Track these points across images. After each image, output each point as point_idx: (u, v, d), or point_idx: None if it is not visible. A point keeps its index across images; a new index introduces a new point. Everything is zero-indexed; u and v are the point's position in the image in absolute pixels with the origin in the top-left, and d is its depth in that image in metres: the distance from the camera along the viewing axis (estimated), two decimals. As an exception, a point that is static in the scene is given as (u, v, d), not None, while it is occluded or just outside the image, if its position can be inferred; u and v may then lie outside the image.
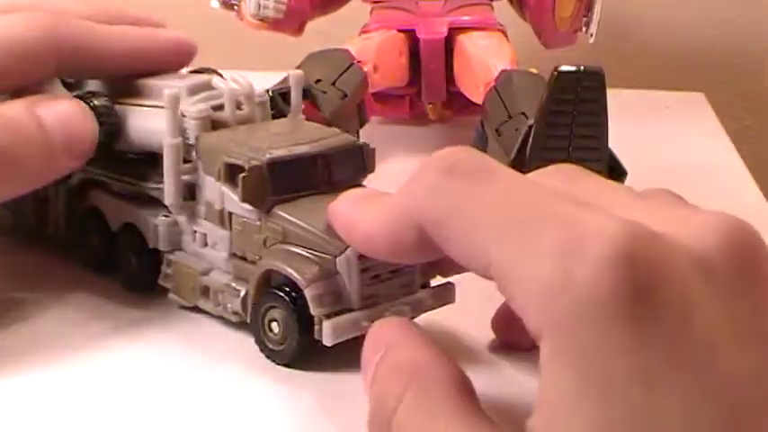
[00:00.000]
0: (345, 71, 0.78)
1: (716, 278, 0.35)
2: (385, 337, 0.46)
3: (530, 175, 0.44)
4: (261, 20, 0.86)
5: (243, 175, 0.54)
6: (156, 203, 0.60)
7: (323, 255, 0.52)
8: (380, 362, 0.44)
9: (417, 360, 0.43)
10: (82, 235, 0.64)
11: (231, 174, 0.55)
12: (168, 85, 0.59)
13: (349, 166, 0.57)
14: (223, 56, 1.20)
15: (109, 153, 0.62)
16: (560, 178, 0.43)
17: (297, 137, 0.57)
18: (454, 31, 0.86)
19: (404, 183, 0.44)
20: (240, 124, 0.59)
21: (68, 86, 0.65)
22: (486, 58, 0.82)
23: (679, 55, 1.16)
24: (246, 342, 0.55)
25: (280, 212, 0.54)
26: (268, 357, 0.54)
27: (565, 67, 0.64)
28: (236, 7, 0.88)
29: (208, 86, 0.60)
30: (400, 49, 0.86)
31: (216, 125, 0.58)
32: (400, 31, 0.87)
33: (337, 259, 0.52)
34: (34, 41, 0.57)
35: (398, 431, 0.40)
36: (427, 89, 0.88)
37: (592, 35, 0.88)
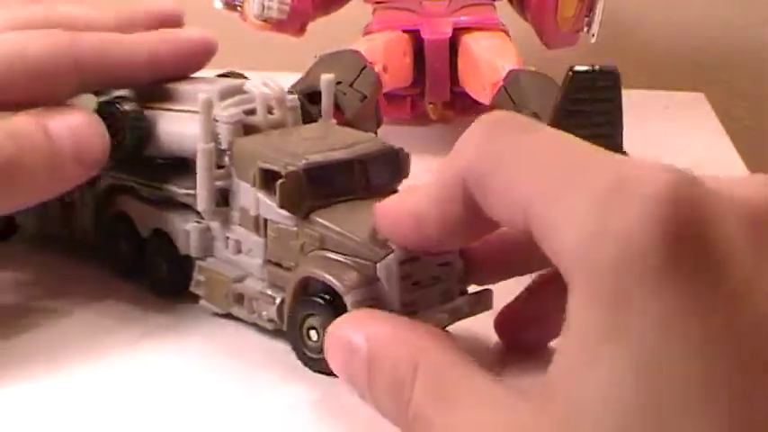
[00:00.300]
0: (360, 73, 0.78)
1: (762, 232, 0.35)
2: (355, 337, 0.45)
3: None
4: (264, 20, 0.86)
5: (280, 181, 0.53)
6: (187, 209, 0.60)
7: (363, 261, 0.51)
8: (374, 359, 0.43)
9: (414, 345, 0.42)
10: (110, 241, 0.64)
11: (267, 179, 0.54)
12: (199, 90, 0.59)
13: (385, 171, 0.56)
14: (223, 56, 1.21)
15: (138, 158, 0.61)
16: None
17: (332, 142, 0.56)
18: (458, 31, 0.87)
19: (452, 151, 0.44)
20: (272, 129, 0.58)
21: (95, 92, 0.64)
22: (492, 59, 0.82)
23: (679, 55, 1.16)
24: (283, 350, 0.54)
25: (318, 219, 0.53)
26: (306, 365, 0.53)
27: (580, 67, 0.64)
28: (239, 8, 0.87)
29: (239, 90, 0.60)
30: (405, 50, 0.86)
31: (247, 130, 0.58)
32: (404, 31, 0.87)
33: (378, 265, 0.51)
34: (52, 60, 0.57)
35: (417, 418, 0.40)
36: (431, 89, 0.88)
37: (593, 35, 0.89)
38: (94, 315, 0.59)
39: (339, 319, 0.48)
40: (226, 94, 0.59)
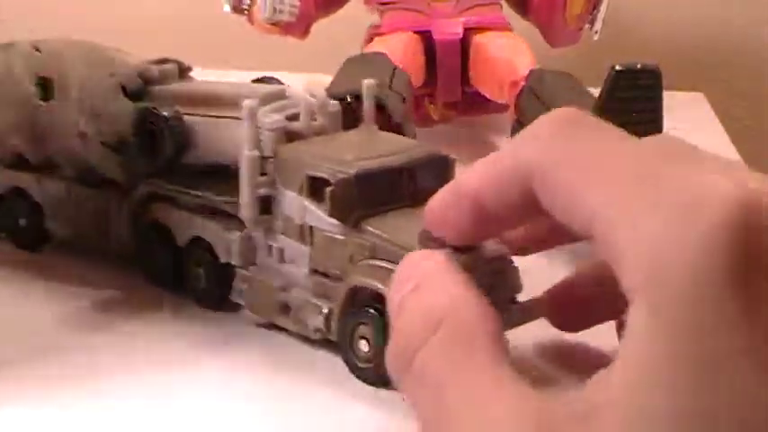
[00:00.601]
0: (393, 75, 0.77)
1: None
2: (420, 270, 0.43)
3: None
4: (274, 23, 0.86)
5: (330, 188, 0.52)
6: (227, 217, 0.59)
7: (416, 271, 0.50)
8: (410, 295, 0.42)
9: (449, 301, 0.41)
10: (146, 250, 0.62)
11: (315, 187, 0.53)
12: (240, 95, 0.58)
13: (433, 178, 0.55)
14: (223, 56, 1.20)
15: (176, 166, 0.60)
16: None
17: (378, 148, 0.55)
18: (469, 31, 0.87)
19: (518, 136, 0.43)
20: (314, 135, 0.57)
21: (132, 97, 0.63)
22: (509, 57, 0.83)
23: (679, 55, 1.16)
24: (331, 360, 0.54)
25: (368, 227, 0.52)
26: (357, 376, 0.52)
27: (622, 66, 0.63)
28: (246, 11, 0.87)
29: (281, 96, 0.59)
30: (416, 51, 0.86)
31: (290, 137, 0.56)
32: (414, 32, 0.87)
33: (431, 275, 0.50)
34: None
35: (421, 371, 0.38)
36: (443, 89, 0.89)
37: (596, 32, 0.89)
38: (134, 328, 0.58)
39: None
40: (267, 100, 0.58)
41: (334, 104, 0.59)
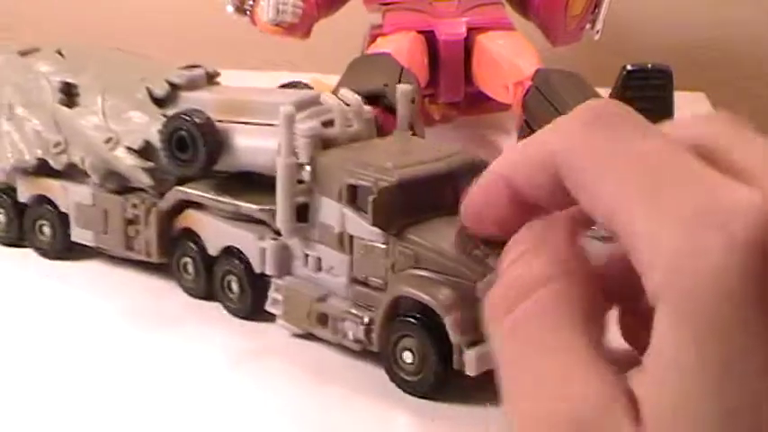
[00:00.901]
0: (401, 75, 0.77)
1: None
2: (537, 234, 0.43)
3: (682, 121, 0.44)
4: (277, 24, 0.85)
5: (372, 196, 0.51)
6: (261, 225, 0.58)
7: (461, 280, 0.49)
8: (523, 254, 0.41)
9: (558, 270, 0.40)
10: (176, 259, 0.61)
11: (355, 195, 0.52)
12: (273, 101, 0.57)
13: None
14: (223, 56, 1.19)
15: (208, 173, 0.59)
16: (714, 131, 0.42)
17: (417, 155, 0.54)
18: (471, 31, 0.86)
19: (548, 125, 0.43)
20: (350, 142, 0.56)
21: (160, 104, 0.62)
22: (513, 58, 0.82)
23: (679, 55, 1.15)
24: (373, 371, 0.53)
25: (411, 236, 0.51)
26: (400, 387, 0.51)
27: (633, 65, 0.63)
28: (248, 12, 0.86)
29: (315, 102, 0.58)
30: (421, 51, 0.85)
31: (325, 143, 0.55)
32: (417, 32, 0.86)
33: (478, 285, 0.49)
34: None
35: (513, 328, 0.38)
36: (445, 89, 0.88)
37: (598, 32, 0.89)
38: (163, 338, 0.57)
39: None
40: (302, 107, 0.57)
41: (369, 110, 0.58)
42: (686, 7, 1.18)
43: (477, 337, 0.49)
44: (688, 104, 1.02)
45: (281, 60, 1.15)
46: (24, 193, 0.67)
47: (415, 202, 0.52)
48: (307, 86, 0.63)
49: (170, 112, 0.60)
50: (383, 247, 0.52)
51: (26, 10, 1.23)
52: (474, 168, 0.55)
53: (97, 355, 0.55)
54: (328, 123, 0.56)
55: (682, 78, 1.12)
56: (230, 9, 0.86)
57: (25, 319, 0.59)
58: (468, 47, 0.86)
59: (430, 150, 0.55)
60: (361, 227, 0.52)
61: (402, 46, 0.83)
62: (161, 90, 0.62)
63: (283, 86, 0.64)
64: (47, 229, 0.66)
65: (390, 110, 0.66)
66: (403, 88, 0.58)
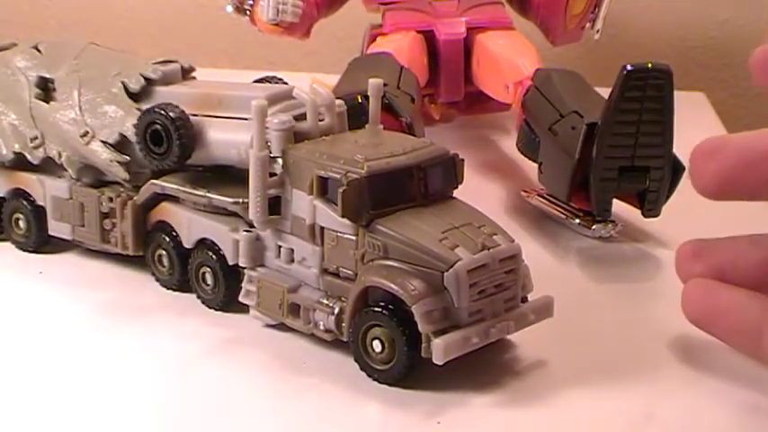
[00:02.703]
0: (401, 75, 0.77)
1: None
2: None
3: None
4: (277, 24, 0.85)
5: (342, 188, 0.52)
6: (234, 218, 0.58)
7: (429, 270, 0.50)
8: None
9: None
10: (151, 251, 0.62)
11: (325, 187, 0.53)
12: (246, 96, 0.57)
13: (442, 178, 0.55)
14: (223, 56, 1.19)
15: (182, 166, 0.60)
16: None
17: (387, 148, 0.55)
18: (472, 30, 0.86)
19: None
20: (321, 135, 0.57)
21: (135, 98, 0.63)
22: (512, 57, 0.82)
23: (679, 55, 1.16)
24: (344, 361, 0.53)
25: (380, 227, 0.52)
26: (370, 376, 0.52)
27: (633, 65, 0.64)
28: (248, 12, 0.87)
29: (287, 96, 0.59)
30: (421, 50, 0.86)
31: (297, 137, 0.56)
32: (417, 32, 0.87)
33: (445, 275, 0.50)
34: None
35: None
36: (446, 89, 0.88)
37: (598, 31, 0.89)
38: (139, 329, 0.58)
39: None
40: (274, 101, 0.58)
41: (341, 104, 0.59)
42: (687, 7, 1.18)
43: (444, 325, 0.50)
44: (688, 104, 1.02)
45: (281, 60, 1.16)
46: (1, 187, 0.67)
47: (384, 194, 0.53)
48: (280, 81, 0.64)
49: (145, 106, 0.61)
50: (353, 238, 0.53)
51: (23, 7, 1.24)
52: (443, 161, 0.56)
53: (72, 346, 0.56)
54: (300, 117, 0.57)
55: (682, 78, 1.13)
56: (230, 9, 0.87)
57: (1, 311, 0.60)
58: (467, 46, 0.86)
59: (400, 144, 0.56)
60: (332, 218, 0.53)
61: (402, 45, 0.84)
62: (136, 84, 0.63)
63: (257, 81, 0.65)
64: (23, 223, 0.67)
65: (390, 109, 0.67)
66: (373, 82, 0.59)
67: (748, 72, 1.15)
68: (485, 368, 0.53)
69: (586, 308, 0.60)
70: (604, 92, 0.67)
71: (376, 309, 0.51)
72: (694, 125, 0.95)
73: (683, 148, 0.87)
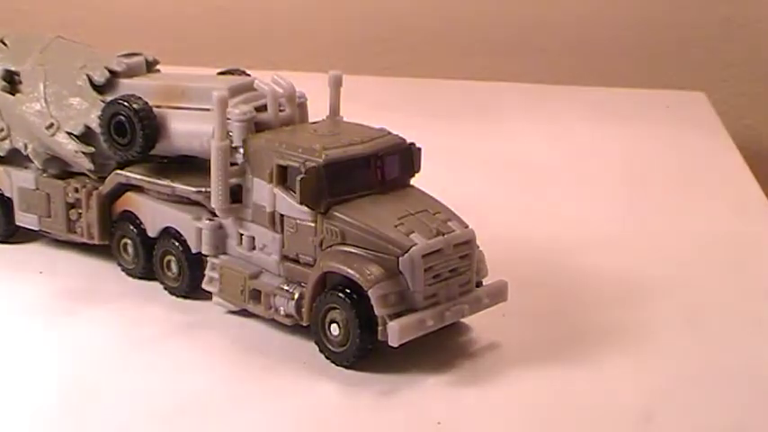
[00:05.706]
0: None
1: None
2: None
3: None
4: None
5: (300, 176, 0.53)
6: (197, 207, 0.60)
7: (384, 255, 0.52)
8: None
9: None
10: (116, 240, 0.63)
11: (284, 176, 0.55)
12: (208, 87, 0.59)
13: (399, 166, 0.57)
14: (224, 56, 1.19)
15: (146, 157, 0.61)
16: None
17: (346, 137, 0.56)
18: None
19: None
20: (282, 126, 0.59)
21: (100, 90, 0.64)
22: None
23: (680, 54, 1.16)
24: (303, 344, 0.55)
25: (337, 214, 0.53)
26: (328, 359, 0.53)
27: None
28: None
29: (249, 88, 0.60)
30: None
31: (258, 127, 0.58)
32: None
33: (400, 259, 0.52)
34: None
35: None
36: None
37: None
38: (104, 316, 0.59)
39: None
40: (236, 92, 0.59)
41: (301, 95, 0.60)
42: (687, 7, 1.18)
43: (400, 309, 0.52)
44: (688, 104, 1.04)
45: (281, 60, 1.16)
46: (-32, 179, 0.68)
47: (341, 182, 0.54)
48: (244, 73, 0.65)
49: (110, 98, 0.62)
50: (312, 225, 0.54)
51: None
52: (399, 149, 0.57)
53: (39, 332, 0.57)
54: (261, 108, 0.59)
55: (682, 78, 1.13)
56: None
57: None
58: None
59: (358, 133, 0.57)
60: (291, 206, 0.55)
61: None
62: (101, 77, 0.64)
63: (221, 74, 0.66)
64: (-9, 213, 0.68)
65: None
66: (332, 74, 0.60)
67: (748, 72, 1.15)
68: (440, 350, 0.54)
69: (543, 292, 0.62)
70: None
71: (333, 293, 0.53)
72: (694, 124, 0.97)
73: (683, 147, 0.90)
